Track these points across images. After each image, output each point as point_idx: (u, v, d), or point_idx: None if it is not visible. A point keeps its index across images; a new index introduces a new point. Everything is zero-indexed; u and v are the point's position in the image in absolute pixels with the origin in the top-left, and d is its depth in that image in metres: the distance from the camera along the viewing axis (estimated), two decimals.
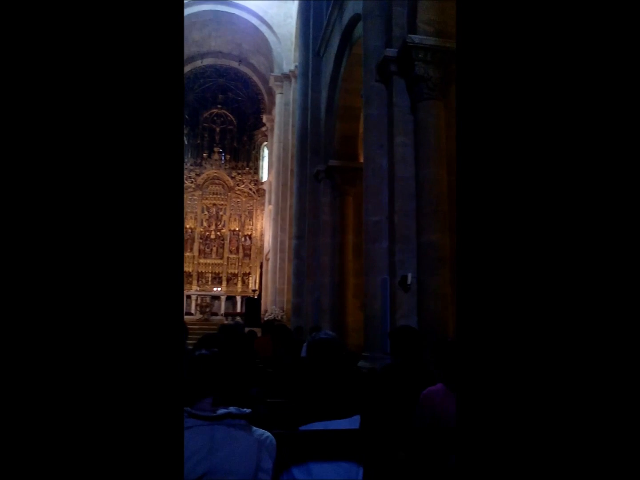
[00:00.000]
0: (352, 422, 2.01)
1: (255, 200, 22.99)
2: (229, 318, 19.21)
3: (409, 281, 5.42)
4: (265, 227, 21.38)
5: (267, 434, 1.68)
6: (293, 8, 16.86)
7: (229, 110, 24.00)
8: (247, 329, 6.85)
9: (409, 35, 5.79)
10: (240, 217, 22.87)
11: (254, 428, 1.67)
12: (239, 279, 22.29)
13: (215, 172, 22.68)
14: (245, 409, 1.66)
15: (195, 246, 21.88)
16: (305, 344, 5.72)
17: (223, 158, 23.58)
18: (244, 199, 22.96)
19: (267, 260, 18.84)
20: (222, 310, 21.14)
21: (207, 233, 22.29)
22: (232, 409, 1.63)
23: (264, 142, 23.65)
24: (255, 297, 19.97)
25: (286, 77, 16.90)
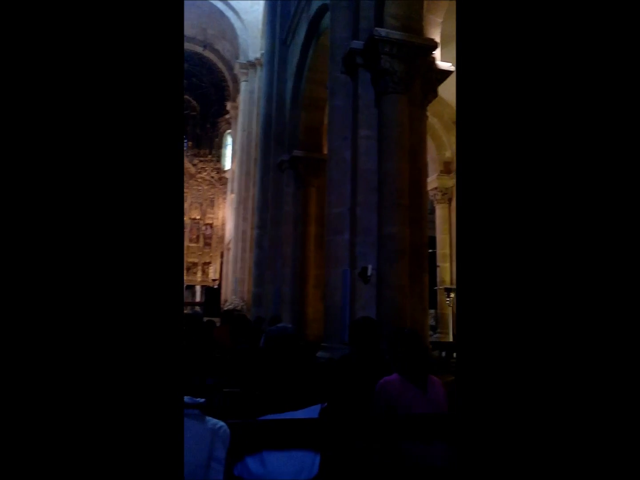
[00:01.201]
0: (309, 413, 2.02)
1: (217, 188, 22.66)
2: (188, 307, 18.93)
3: (369, 273, 5.47)
4: (226, 216, 21.14)
5: (221, 423, 1.66)
6: None
7: (192, 96, 23.51)
8: (205, 319, 6.77)
9: (376, 28, 5.79)
10: (202, 205, 22.51)
11: (208, 418, 1.65)
12: (199, 268, 21.98)
13: None
14: (198, 399, 1.64)
15: None
16: (264, 335, 5.70)
17: (185, 145, 23.11)
18: (205, 187, 22.59)
19: (228, 249, 18.65)
20: None
21: None
22: (185, 398, 1.60)
23: (227, 130, 23.32)
24: (215, 286, 19.77)
25: (252, 64, 16.66)
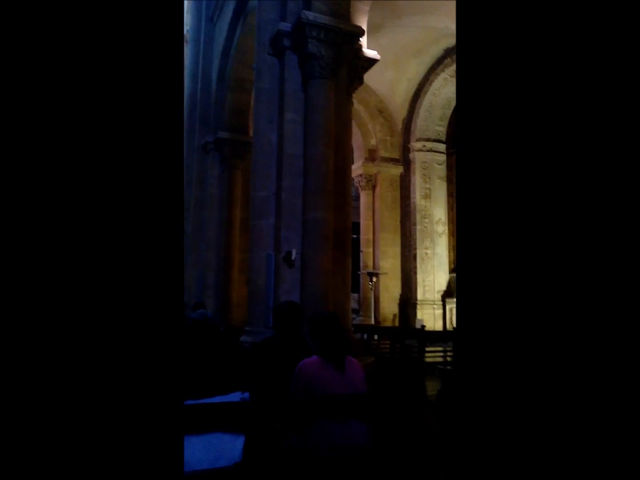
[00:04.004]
0: (227, 399, 2.01)
1: None
2: None
3: (293, 257, 5.50)
4: None
5: None
6: None
7: None
8: None
9: (304, 11, 5.75)
10: None
11: None
12: None
13: None
14: None
15: None
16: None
17: None
18: None
19: None
20: None
21: None
22: None
23: None
24: None
25: None
